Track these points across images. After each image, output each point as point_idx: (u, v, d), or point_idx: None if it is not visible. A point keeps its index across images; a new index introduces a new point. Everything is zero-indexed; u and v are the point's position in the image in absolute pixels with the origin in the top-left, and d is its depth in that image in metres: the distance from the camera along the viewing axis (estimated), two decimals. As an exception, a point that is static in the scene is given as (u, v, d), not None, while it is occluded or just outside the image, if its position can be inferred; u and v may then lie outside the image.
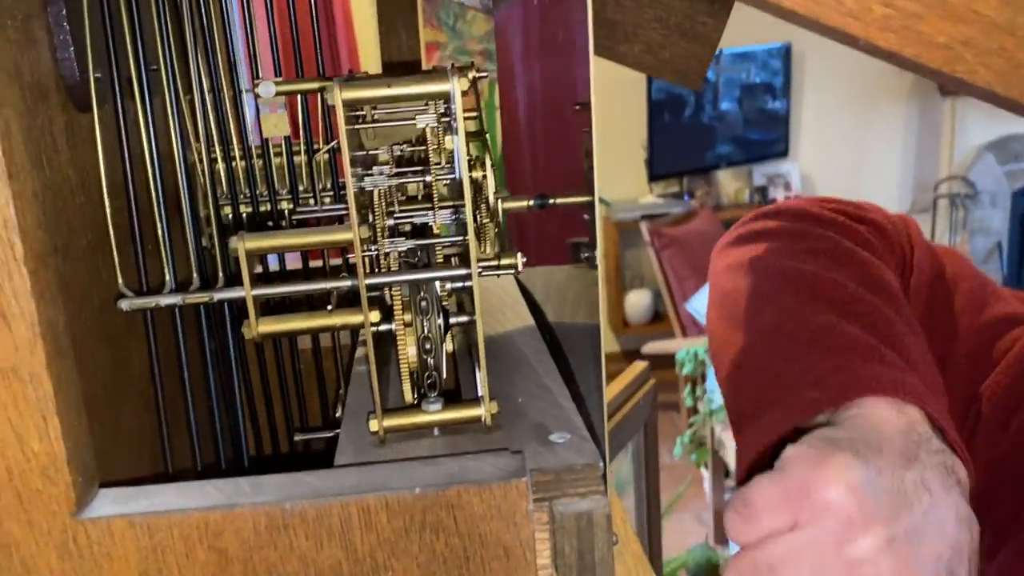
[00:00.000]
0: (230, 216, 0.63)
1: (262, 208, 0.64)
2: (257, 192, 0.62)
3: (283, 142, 0.62)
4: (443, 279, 0.49)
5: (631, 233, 4.27)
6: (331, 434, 0.64)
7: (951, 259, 0.59)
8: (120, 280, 0.51)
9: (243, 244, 0.47)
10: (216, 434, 0.56)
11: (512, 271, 0.52)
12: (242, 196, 0.64)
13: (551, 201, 0.63)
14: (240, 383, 0.57)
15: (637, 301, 4.37)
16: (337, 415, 0.66)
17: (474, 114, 0.58)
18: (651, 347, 3.84)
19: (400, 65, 0.78)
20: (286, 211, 0.66)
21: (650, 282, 4.38)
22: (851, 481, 0.38)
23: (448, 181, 0.53)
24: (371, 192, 0.50)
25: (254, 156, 0.61)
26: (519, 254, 0.57)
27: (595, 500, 0.45)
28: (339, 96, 0.44)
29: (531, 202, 0.63)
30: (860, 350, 0.45)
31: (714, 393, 3.18)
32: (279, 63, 0.65)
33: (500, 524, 0.42)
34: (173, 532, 0.40)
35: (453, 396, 0.59)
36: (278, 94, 0.59)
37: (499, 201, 0.56)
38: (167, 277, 0.52)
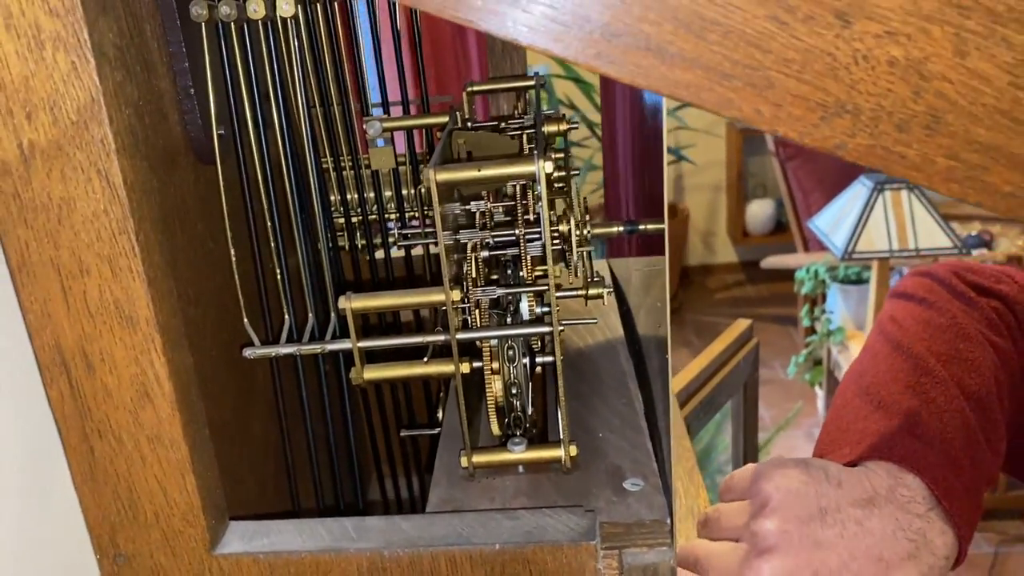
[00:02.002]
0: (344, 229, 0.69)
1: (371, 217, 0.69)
2: (367, 216, 0.67)
3: (391, 173, 0.66)
4: (528, 335, 0.53)
5: (756, 139, 4.15)
6: (432, 432, 0.70)
7: None
8: (245, 319, 0.57)
9: (350, 304, 0.52)
10: (331, 445, 0.63)
11: (592, 321, 0.56)
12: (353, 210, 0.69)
13: (641, 227, 0.66)
14: (351, 398, 0.63)
15: (759, 211, 4.28)
16: (439, 415, 0.72)
17: (561, 155, 0.60)
18: (770, 261, 3.78)
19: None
20: (394, 222, 0.70)
21: (773, 191, 4.27)
22: (783, 485, 0.50)
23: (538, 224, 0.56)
24: (465, 245, 0.54)
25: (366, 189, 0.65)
26: (605, 288, 0.60)
27: (661, 552, 0.50)
28: (434, 179, 0.48)
29: (621, 228, 0.65)
30: (903, 421, 0.55)
31: (832, 314, 3.13)
32: (403, 80, 0.68)
33: (570, 578, 0.47)
34: (290, 569, 0.47)
35: (542, 415, 0.64)
36: (385, 130, 0.62)
37: (584, 252, 0.58)
38: (286, 317, 0.58)
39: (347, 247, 0.70)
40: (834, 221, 2.98)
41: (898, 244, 2.73)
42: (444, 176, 0.48)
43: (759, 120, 0.35)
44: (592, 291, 0.61)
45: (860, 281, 3.08)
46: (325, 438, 0.62)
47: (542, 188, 0.48)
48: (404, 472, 0.82)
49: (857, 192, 2.90)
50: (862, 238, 2.75)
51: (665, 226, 0.53)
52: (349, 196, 0.69)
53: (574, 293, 0.60)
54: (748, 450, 1.26)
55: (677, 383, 1.15)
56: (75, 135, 0.40)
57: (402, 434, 0.72)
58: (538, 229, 0.55)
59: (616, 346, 0.71)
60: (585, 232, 0.63)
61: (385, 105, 0.67)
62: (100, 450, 0.45)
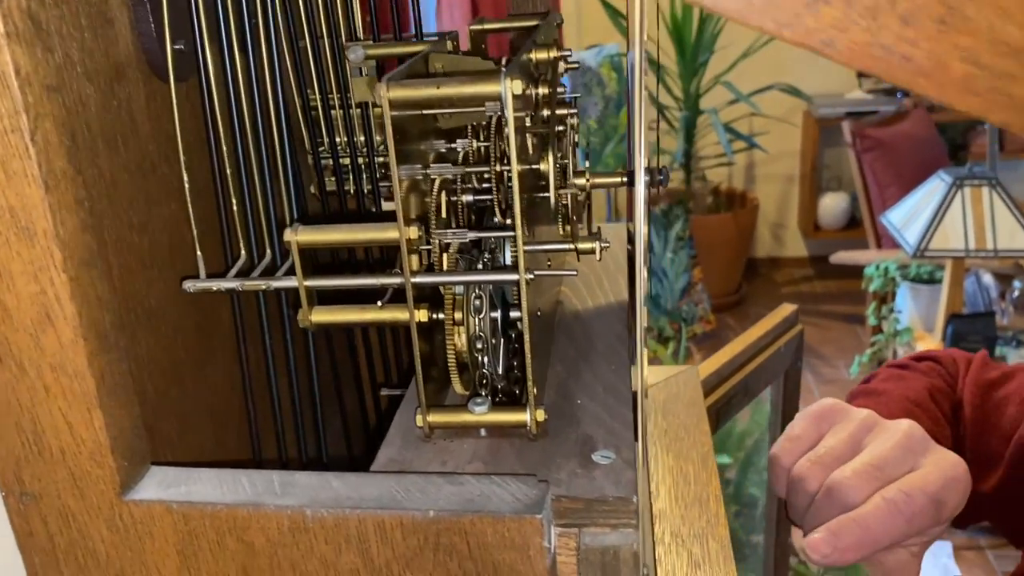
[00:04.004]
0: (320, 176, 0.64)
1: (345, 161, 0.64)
2: (355, 150, 0.62)
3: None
4: (491, 282, 0.47)
5: (832, 130, 4.00)
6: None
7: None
8: (198, 251, 0.52)
9: (295, 237, 0.47)
10: (294, 396, 0.58)
11: (570, 273, 0.49)
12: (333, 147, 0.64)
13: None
14: (314, 349, 0.58)
15: (832, 204, 4.13)
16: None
17: (559, 90, 0.54)
18: (840, 256, 3.64)
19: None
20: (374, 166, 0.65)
21: (848, 185, 4.10)
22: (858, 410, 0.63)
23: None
24: (433, 181, 0.49)
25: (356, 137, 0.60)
26: (599, 241, 0.54)
27: (624, 534, 0.43)
28: (386, 96, 0.42)
29: (624, 179, 0.59)
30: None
31: (901, 313, 2.99)
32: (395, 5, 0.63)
33: (514, 555, 0.41)
34: (205, 522, 0.43)
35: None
36: (368, 58, 0.57)
37: (567, 191, 0.52)
38: (242, 252, 0.53)
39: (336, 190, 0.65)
40: (908, 216, 2.83)
41: (975, 244, 2.57)
42: (398, 93, 0.42)
43: (728, 8, 0.28)
44: (583, 245, 0.55)
45: (932, 281, 2.93)
46: (290, 387, 0.58)
47: (508, 112, 0.42)
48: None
49: (934, 187, 2.75)
50: (936, 235, 2.61)
51: (641, 181, 0.46)
52: (338, 138, 0.64)
53: (559, 246, 0.54)
54: (784, 443, 1.17)
55: (709, 366, 1.08)
56: (-40, 13, 0.35)
57: (382, 393, 0.67)
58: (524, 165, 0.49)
59: (617, 311, 0.64)
60: (584, 181, 0.57)
61: (376, 36, 0.62)
62: (1, 377, 0.41)
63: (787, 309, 1.22)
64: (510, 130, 0.42)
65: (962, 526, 0.79)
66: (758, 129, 3.99)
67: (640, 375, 0.44)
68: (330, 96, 0.63)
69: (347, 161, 0.65)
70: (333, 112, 0.64)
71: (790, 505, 0.61)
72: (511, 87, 0.42)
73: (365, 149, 0.64)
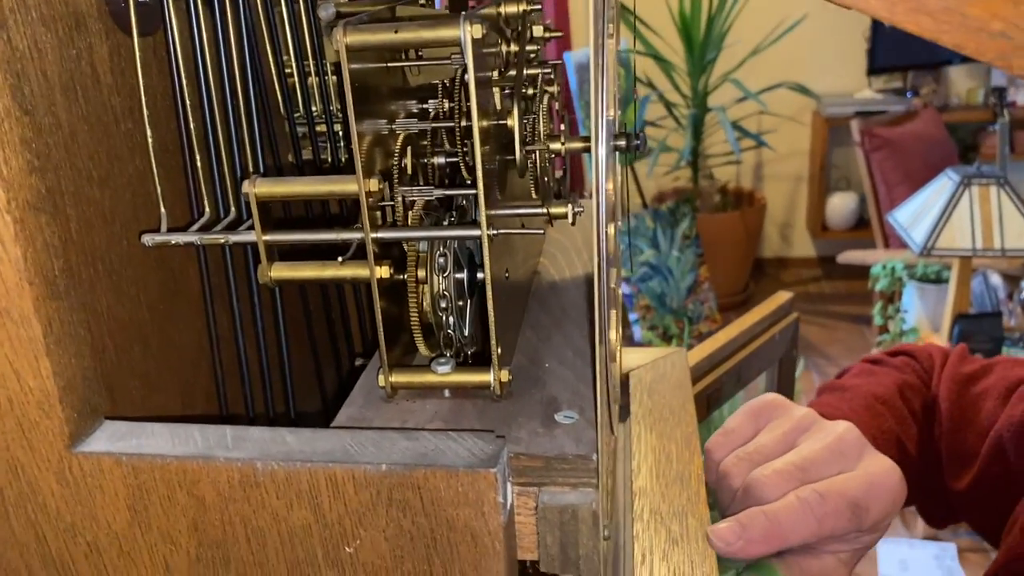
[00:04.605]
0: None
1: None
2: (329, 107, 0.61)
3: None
4: (453, 238, 0.46)
5: (841, 130, 3.97)
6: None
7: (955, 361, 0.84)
8: (161, 207, 0.51)
9: (253, 189, 0.46)
10: (262, 360, 0.57)
11: (537, 232, 0.48)
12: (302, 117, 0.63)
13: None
14: (282, 307, 0.57)
15: (840, 204, 4.10)
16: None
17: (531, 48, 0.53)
18: (848, 256, 3.61)
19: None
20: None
21: (857, 186, 4.08)
22: (802, 407, 0.61)
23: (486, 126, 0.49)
24: (397, 136, 0.48)
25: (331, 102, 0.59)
26: (571, 205, 0.53)
27: (583, 494, 0.42)
28: (343, 41, 0.41)
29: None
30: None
31: (907, 313, 2.96)
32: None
33: (468, 511, 0.40)
34: (155, 475, 0.42)
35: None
36: (339, 16, 0.56)
37: (536, 150, 0.51)
38: (207, 210, 0.52)
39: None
40: (915, 215, 2.81)
41: (983, 243, 2.54)
42: (355, 37, 0.41)
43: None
44: (555, 209, 0.53)
45: (939, 280, 2.90)
46: (257, 348, 0.57)
47: (468, 57, 0.41)
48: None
49: (942, 185, 2.73)
50: (943, 234, 2.58)
51: (602, 132, 0.45)
52: (316, 105, 0.63)
53: (529, 210, 0.53)
54: (777, 432, 1.16)
55: (701, 351, 1.07)
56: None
57: (357, 363, 0.66)
58: (492, 121, 0.48)
59: (593, 280, 0.63)
60: (559, 146, 0.56)
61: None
62: (-53, 321, 0.40)
63: (782, 297, 1.21)
64: (470, 75, 0.41)
65: (938, 525, 0.77)
66: (766, 128, 3.97)
67: (600, 332, 0.43)
68: (305, 63, 0.62)
69: (324, 128, 0.64)
70: (310, 80, 0.63)
71: (717, 499, 0.60)
72: (471, 31, 0.41)
73: (342, 116, 0.63)
